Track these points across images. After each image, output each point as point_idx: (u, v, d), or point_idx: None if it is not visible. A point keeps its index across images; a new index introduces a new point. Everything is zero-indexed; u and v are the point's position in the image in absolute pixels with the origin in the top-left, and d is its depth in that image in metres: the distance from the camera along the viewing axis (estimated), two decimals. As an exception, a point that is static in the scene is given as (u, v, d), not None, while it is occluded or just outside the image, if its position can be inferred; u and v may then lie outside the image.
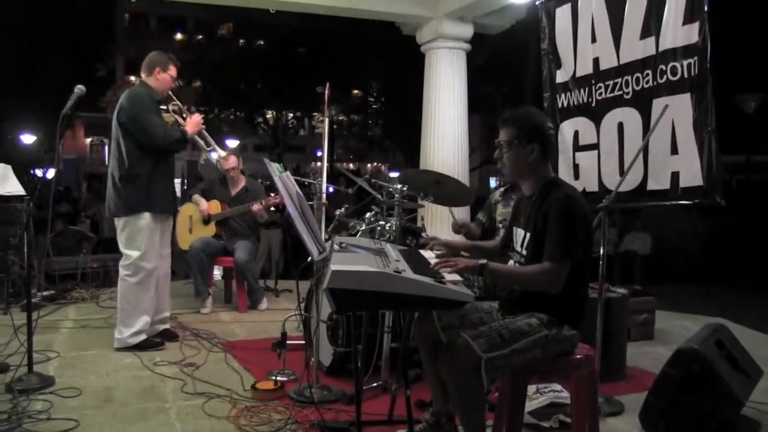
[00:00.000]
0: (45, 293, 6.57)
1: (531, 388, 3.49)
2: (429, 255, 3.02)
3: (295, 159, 30.24)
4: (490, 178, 25.92)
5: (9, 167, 6.42)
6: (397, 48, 16.65)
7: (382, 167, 31.94)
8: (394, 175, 28.32)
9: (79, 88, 4.10)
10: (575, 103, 4.82)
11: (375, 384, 3.86)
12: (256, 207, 6.18)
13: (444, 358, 2.65)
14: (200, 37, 27.69)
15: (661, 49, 4.13)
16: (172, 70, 4.93)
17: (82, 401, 3.74)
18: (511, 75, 18.45)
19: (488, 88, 17.61)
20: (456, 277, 2.59)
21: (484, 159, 22.09)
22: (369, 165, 32.28)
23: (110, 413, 3.56)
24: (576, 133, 4.80)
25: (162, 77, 4.88)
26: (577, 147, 4.79)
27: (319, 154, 4.39)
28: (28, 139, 24.20)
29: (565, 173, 4.89)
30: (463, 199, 4.95)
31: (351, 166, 28.89)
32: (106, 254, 9.35)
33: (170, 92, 4.97)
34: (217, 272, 7.27)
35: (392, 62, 20.13)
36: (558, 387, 3.58)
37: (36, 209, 4.18)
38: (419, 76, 8.19)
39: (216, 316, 6.14)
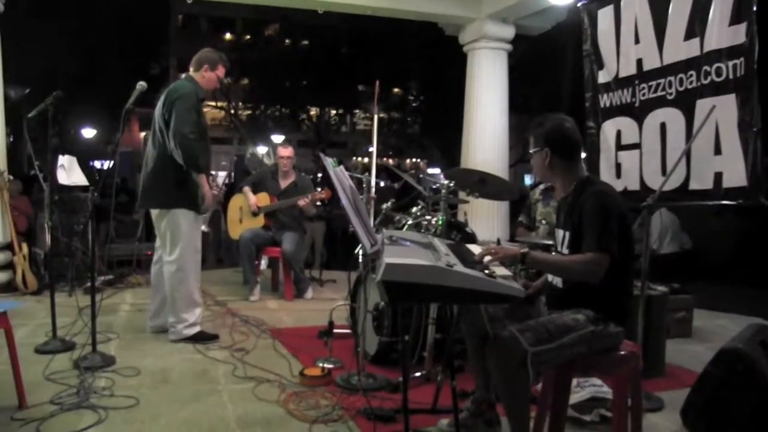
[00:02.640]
0: (104, 278, 6.72)
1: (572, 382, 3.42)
2: (475, 249, 2.99)
3: (337, 154, 30.15)
4: (525, 176, 25.67)
5: (74, 159, 6.57)
6: (438, 48, 16.57)
7: (421, 163, 31.85)
8: (432, 171, 28.24)
9: (141, 84, 4.13)
10: (618, 103, 4.71)
11: (418, 374, 3.82)
12: (302, 202, 6.19)
13: (490, 350, 2.60)
14: (248, 37, 27.84)
15: (705, 50, 4.02)
16: (220, 70, 4.71)
17: (140, 380, 3.79)
18: (548, 75, 18.23)
19: (526, 88, 17.40)
20: (506, 271, 2.56)
21: (519, 157, 21.89)
22: (408, 161, 32.21)
23: (167, 393, 3.59)
24: (618, 133, 4.69)
25: (208, 76, 4.67)
26: (619, 146, 4.68)
27: (371, 149, 4.34)
28: (88, 133, 24.56)
29: (606, 172, 4.80)
30: (507, 195, 4.90)
31: (390, 162, 28.85)
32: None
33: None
34: (263, 261, 7.29)
35: (432, 62, 20.02)
36: (598, 381, 3.50)
37: (99, 199, 4.22)
38: (459, 75, 8.15)
39: (263, 303, 6.16)
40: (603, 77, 4.91)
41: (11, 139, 19.65)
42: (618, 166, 4.71)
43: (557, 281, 2.86)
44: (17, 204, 7.43)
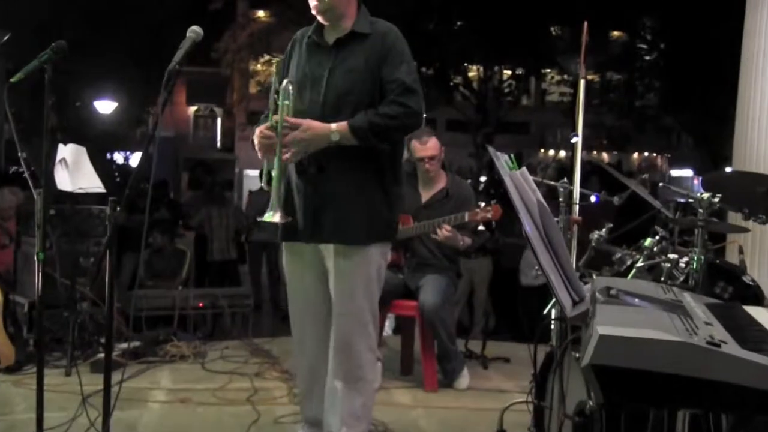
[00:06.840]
0: (127, 345, 6.86)
1: None
2: (762, 315, 2.91)
3: (515, 144, 30.06)
4: None
5: (84, 151, 6.85)
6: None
7: (659, 160, 31.39)
8: (678, 173, 27.71)
9: (194, 31, 4.27)
10: None
11: None
12: (444, 232, 6.11)
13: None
14: (369, -49, 28.48)
15: None
16: None
17: None
18: None
19: None
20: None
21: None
22: (636, 155, 31.81)
23: None
24: None
25: None
26: None
27: (574, 138, 4.24)
28: (105, 107, 25.02)
29: None
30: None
31: (605, 156, 28.56)
32: (217, 287, 9.75)
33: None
34: (387, 323, 7.37)
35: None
36: None
37: (125, 215, 4.36)
38: (729, 9, 7.98)
39: (388, 395, 6.19)
40: None
41: (-21, 116, 20.52)
42: None
43: None
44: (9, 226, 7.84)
